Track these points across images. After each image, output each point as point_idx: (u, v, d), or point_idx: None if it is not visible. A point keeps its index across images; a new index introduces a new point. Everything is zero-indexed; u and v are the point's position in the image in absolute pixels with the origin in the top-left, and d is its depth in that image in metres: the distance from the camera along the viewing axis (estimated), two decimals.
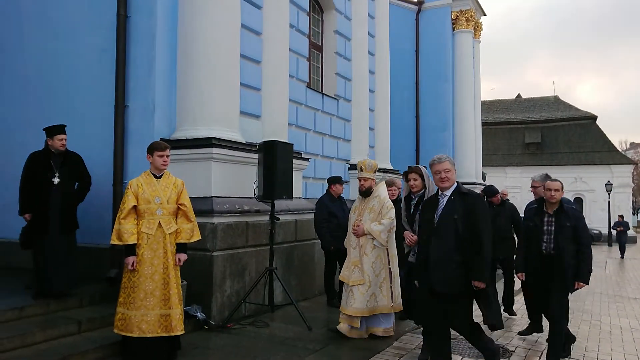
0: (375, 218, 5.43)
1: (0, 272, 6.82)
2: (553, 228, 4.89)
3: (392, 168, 11.69)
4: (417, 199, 5.03)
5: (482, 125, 19.75)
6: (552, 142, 36.43)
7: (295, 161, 6.64)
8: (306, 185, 8.81)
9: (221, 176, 6.28)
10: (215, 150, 6.10)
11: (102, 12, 6.58)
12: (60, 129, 5.53)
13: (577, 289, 4.91)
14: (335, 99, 10.03)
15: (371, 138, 11.22)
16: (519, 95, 42.14)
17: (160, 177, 4.69)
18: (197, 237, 4.82)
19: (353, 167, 10.10)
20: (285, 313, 6.39)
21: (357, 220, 5.52)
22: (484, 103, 32.01)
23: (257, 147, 6.41)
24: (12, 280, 6.20)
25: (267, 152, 6.13)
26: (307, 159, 8.33)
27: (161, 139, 6.06)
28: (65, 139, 5.55)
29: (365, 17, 10.89)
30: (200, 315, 5.59)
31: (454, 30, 16.91)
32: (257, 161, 6.34)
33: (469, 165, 16.67)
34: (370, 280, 5.36)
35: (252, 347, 5.09)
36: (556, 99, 39.74)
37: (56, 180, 5.41)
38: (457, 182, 4.16)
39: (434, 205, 4.13)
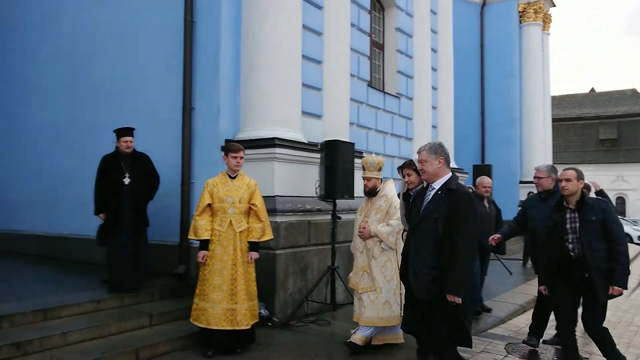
0: (383, 219, 4.88)
1: (80, 267, 7.28)
2: (577, 225, 4.21)
3: (456, 166, 11.42)
4: (415, 195, 4.45)
5: (552, 122, 18.90)
6: (630, 138, 34.30)
7: (356, 160, 6.62)
8: None
9: (284, 176, 6.37)
10: (277, 150, 6.19)
11: (170, 19, 6.85)
12: (125, 132, 5.79)
13: (613, 295, 4.10)
14: (396, 97, 9.92)
15: (434, 136, 11.00)
16: (592, 89, 40.00)
17: (234, 177, 4.92)
18: (268, 236, 5.00)
19: None
20: (347, 312, 6.38)
21: (362, 222, 5.02)
22: (554, 98, 30.58)
23: (319, 146, 6.45)
24: (90, 275, 6.58)
25: (329, 151, 6.15)
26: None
27: (226, 140, 6.25)
28: (131, 141, 5.79)
29: (427, 14, 10.70)
30: (264, 312, 5.69)
31: (521, 23, 16.29)
32: (319, 161, 6.38)
33: (538, 163, 15.97)
34: (381, 286, 4.82)
35: (314, 345, 5.13)
36: (634, 92, 37.36)
37: (127, 181, 5.68)
38: (451, 174, 3.66)
39: (421, 199, 3.74)
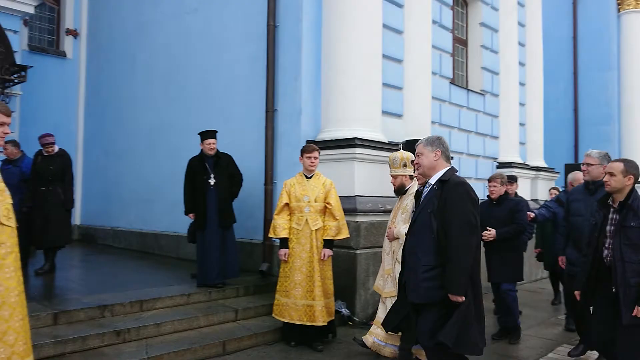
0: (408, 219, 4.38)
1: (171, 262, 7.72)
2: (614, 228, 3.64)
3: (546, 166, 10.84)
4: (416, 193, 4.19)
5: None
6: None
7: None
8: None
9: (364, 175, 6.37)
10: (358, 150, 6.21)
11: (254, 24, 7.08)
12: (208, 134, 6.04)
13: (638, 318, 3.43)
14: (481, 94, 9.60)
15: (522, 134, 10.52)
16: None
17: (310, 177, 5.06)
18: (344, 234, 5.09)
19: (502, 165, 9.57)
20: None
21: (390, 222, 4.75)
22: None
23: (400, 146, 6.38)
24: (180, 270, 6.97)
25: (410, 150, 6.07)
26: (452, 157, 8.06)
27: (307, 141, 6.37)
28: (214, 143, 6.02)
29: (514, 6, 10.24)
30: (344, 311, 5.73)
31: (619, 11, 15.13)
32: None
33: None
34: None
35: None
36: None
37: (212, 181, 5.92)
38: (450, 167, 3.34)
39: (419, 197, 3.43)
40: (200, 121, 7.49)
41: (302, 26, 6.59)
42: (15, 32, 8.40)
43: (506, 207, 5.51)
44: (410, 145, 6.11)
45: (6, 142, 6.21)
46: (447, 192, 3.14)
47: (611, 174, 3.66)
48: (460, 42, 9.62)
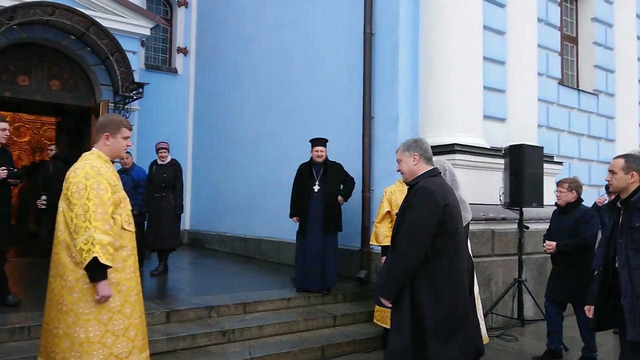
0: None
1: (273, 267, 7.98)
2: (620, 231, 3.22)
3: None
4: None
5: None
6: None
7: (545, 165, 6.13)
8: None
9: (464, 182, 6.12)
10: (457, 156, 6.04)
11: (350, 34, 7.16)
12: (317, 142, 6.18)
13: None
14: (594, 94, 8.93)
15: None
16: None
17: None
18: None
19: None
20: (537, 329, 5.91)
21: None
22: None
23: (503, 151, 6.13)
24: (281, 274, 7.18)
25: (514, 156, 5.82)
26: (561, 163, 7.59)
27: None
28: (322, 151, 6.15)
29: None
30: None
31: None
32: (503, 166, 6.06)
33: None
34: None
35: None
36: None
37: (316, 188, 6.04)
38: (428, 169, 3.09)
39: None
40: (300, 130, 7.69)
41: (398, 32, 6.56)
42: (134, 52, 9.19)
43: (572, 217, 4.80)
44: (514, 151, 5.84)
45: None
46: (410, 197, 3.01)
47: (612, 172, 3.28)
48: (570, 40, 9.03)
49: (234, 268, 8.08)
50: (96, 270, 2.68)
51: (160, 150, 7.02)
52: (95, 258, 2.63)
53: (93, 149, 3.02)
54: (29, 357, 3.41)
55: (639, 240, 3.07)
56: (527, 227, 5.98)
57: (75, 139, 9.54)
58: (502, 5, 7.18)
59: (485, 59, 6.79)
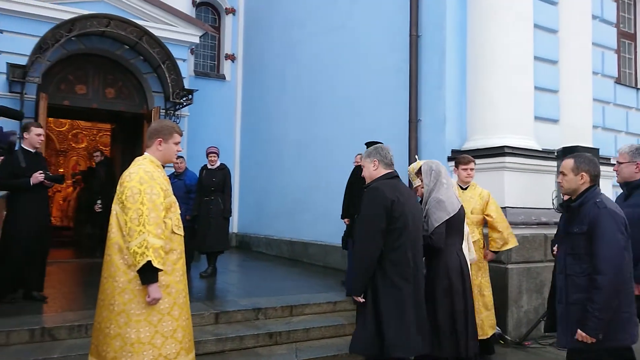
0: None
1: (319, 270, 8.01)
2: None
3: None
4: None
5: None
6: None
7: (602, 168, 5.86)
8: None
9: (515, 186, 6.02)
10: (507, 159, 5.89)
11: (397, 36, 7.12)
12: (366, 145, 6.17)
13: (577, 342, 2.92)
14: None
15: None
16: None
17: (465, 188, 4.93)
18: (511, 244, 4.99)
19: None
20: None
21: None
22: None
23: (555, 154, 5.93)
24: (327, 278, 7.19)
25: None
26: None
27: (452, 151, 6.20)
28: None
29: None
30: (496, 329, 5.43)
31: None
32: (556, 169, 5.86)
33: None
34: None
35: None
36: None
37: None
38: (385, 173, 3.39)
39: None
40: (345, 134, 7.70)
41: (445, 34, 6.47)
42: (184, 60, 9.45)
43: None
44: (568, 153, 5.63)
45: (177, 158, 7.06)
46: (364, 198, 3.30)
47: (562, 173, 3.18)
48: (627, 37, 8.65)
49: (280, 271, 8.16)
50: (148, 273, 2.75)
51: (210, 155, 7.19)
52: (148, 261, 2.71)
53: (145, 153, 3.10)
54: (87, 354, 3.56)
55: (578, 247, 3.00)
56: None
57: (129, 144, 9.90)
58: (554, 3, 6.96)
59: (537, 58, 6.60)
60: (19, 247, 4.96)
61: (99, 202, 8.15)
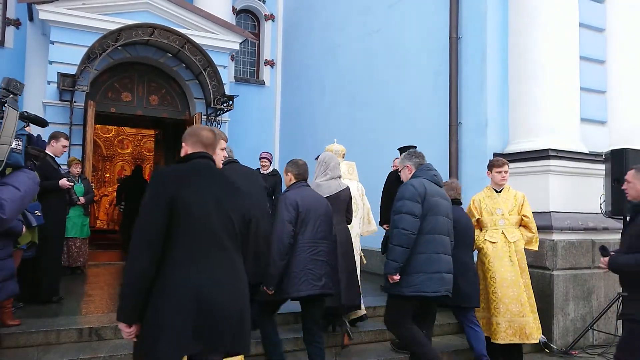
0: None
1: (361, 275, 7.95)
2: None
3: None
4: None
5: None
6: None
7: None
8: None
9: (560, 189, 5.85)
10: (552, 162, 5.74)
11: (436, 38, 7.05)
12: (402, 151, 6.12)
13: None
14: None
15: None
16: None
17: (500, 191, 4.94)
18: (535, 246, 4.94)
19: None
20: None
21: None
22: None
23: (603, 156, 5.73)
24: (366, 282, 7.13)
25: (616, 161, 5.40)
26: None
27: (494, 154, 6.08)
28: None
29: None
30: (541, 337, 5.28)
31: None
32: (604, 172, 5.66)
33: None
34: None
35: None
36: None
37: None
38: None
39: None
40: (385, 138, 7.66)
41: (486, 35, 6.36)
42: (224, 67, 9.62)
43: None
44: (616, 156, 5.44)
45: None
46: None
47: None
48: None
49: None
50: None
51: (262, 160, 7.35)
52: None
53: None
54: (131, 354, 3.68)
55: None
56: None
57: (172, 150, 10.15)
58: (600, 1, 6.75)
59: (582, 58, 6.40)
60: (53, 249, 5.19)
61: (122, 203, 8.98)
